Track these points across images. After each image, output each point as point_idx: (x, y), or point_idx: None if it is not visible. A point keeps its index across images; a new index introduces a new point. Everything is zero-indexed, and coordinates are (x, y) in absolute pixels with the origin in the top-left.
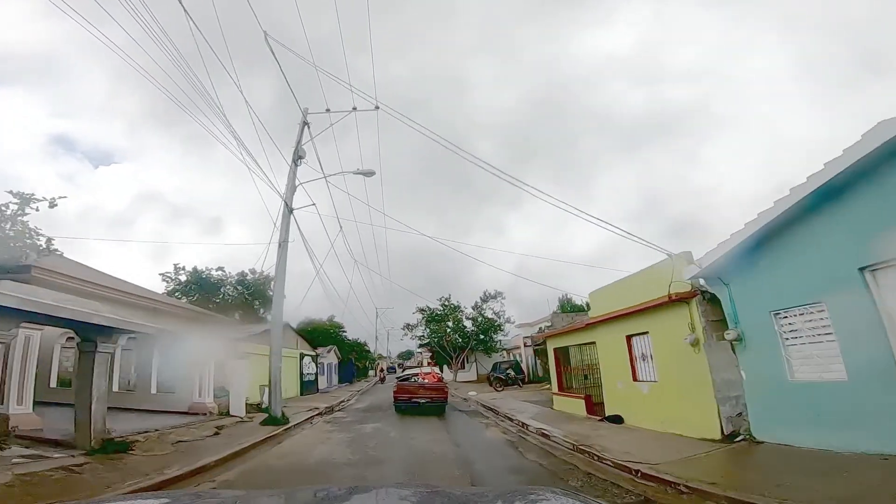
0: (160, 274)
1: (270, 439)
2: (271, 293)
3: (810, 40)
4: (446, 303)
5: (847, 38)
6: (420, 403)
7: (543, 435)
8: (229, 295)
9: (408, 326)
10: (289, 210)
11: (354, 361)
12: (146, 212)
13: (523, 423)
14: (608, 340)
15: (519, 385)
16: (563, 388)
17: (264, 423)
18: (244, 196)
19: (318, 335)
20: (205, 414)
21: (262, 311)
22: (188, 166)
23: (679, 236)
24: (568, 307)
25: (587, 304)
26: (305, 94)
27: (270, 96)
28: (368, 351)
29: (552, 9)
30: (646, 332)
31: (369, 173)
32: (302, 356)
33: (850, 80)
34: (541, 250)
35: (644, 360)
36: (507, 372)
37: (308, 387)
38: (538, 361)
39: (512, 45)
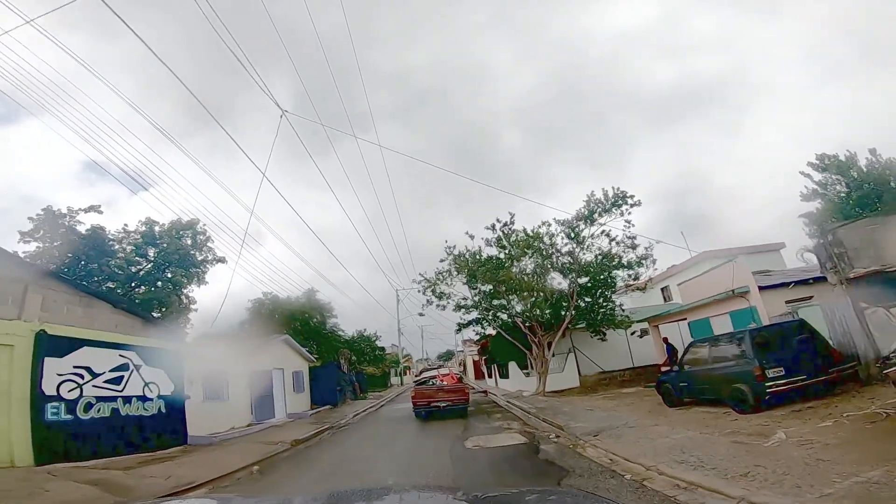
0: (20, 233)
1: None
2: (195, 252)
3: None
4: (507, 230)
5: None
6: (440, 407)
7: None
8: (137, 265)
9: (429, 285)
10: None
11: (352, 366)
12: None
13: None
14: None
15: None
16: None
17: None
18: None
19: (300, 332)
20: None
21: (186, 289)
22: None
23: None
24: None
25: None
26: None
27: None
28: (382, 349)
29: None
30: None
31: None
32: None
33: (892, 34)
34: None
35: None
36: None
37: (113, 438)
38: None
39: (526, 23)
